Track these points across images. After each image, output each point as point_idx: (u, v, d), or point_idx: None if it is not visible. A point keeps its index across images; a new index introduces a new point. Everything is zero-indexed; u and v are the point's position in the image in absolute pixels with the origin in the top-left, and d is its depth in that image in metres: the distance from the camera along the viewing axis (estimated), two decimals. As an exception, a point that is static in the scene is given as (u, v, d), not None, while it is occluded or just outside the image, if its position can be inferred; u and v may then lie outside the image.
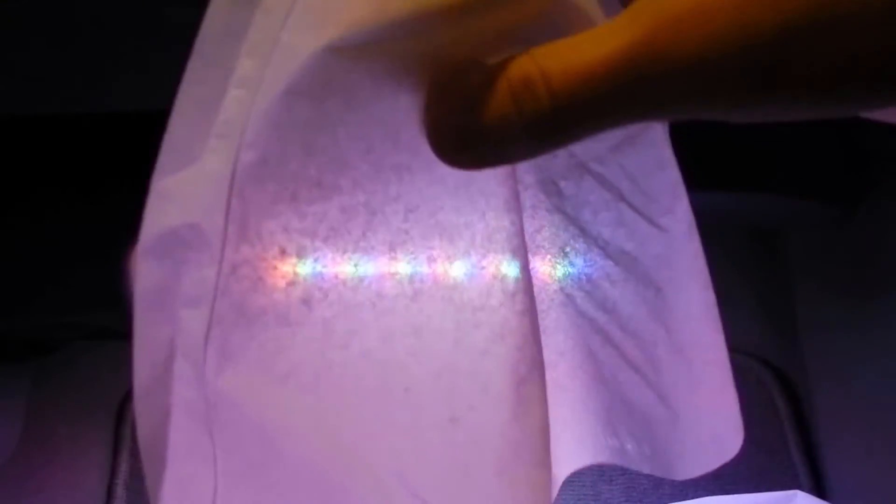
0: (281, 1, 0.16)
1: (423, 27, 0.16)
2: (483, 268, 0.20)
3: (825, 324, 0.63)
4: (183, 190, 0.17)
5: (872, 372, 0.58)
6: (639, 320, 0.25)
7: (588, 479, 0.66)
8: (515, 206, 0.20)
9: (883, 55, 0.13)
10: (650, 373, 0.26)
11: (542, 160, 0.22)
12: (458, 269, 0.20)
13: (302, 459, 0.18)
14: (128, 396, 0.67)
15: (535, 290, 0.22)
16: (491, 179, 0.20)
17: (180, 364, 0.17)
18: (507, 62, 0.16)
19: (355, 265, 0.19)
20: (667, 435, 0.27)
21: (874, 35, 0.13)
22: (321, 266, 0.18)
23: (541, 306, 0.26)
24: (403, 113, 0.18)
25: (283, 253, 0.18)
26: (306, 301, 0.18)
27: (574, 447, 0.28)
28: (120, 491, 0.63)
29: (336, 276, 0.18)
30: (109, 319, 0.49)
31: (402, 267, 0.19)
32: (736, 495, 0.55)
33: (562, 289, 0.25)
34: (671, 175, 0.23)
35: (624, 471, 0.65)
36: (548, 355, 0.23)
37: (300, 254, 0.18)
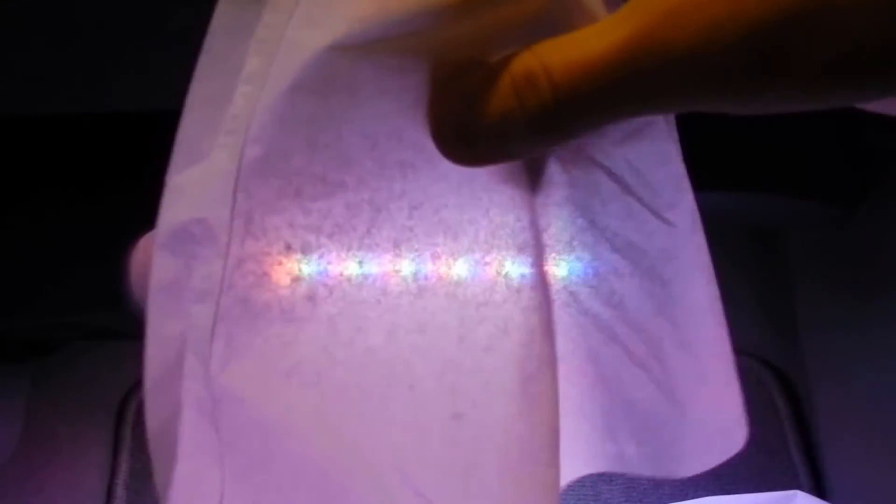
0: None
1: (426, 25, 0.16)
2: (487, 264, 0.20)
3: (825, 324, 0.63)
4: (193, 185, 0.17)
5: (872, 372, 0.58)
6: (645, 315, 0.25)
7: (588, 479, 0.66)
8: (522, 202, 0.20)
9: (882, 43, 0.13)
10: (656, 368, 0.26)
11: (552, 154, 0.22)
12: (461, 266, 0.20)
13: (304, 456, 0.18)
14: (128, 396, 0.67)
15: None
16: (494, 176, 0.20)
17: (190, 360, 0.17)
18: (509, 58, 0.16)
19: (360, 262, 0.18)
20: (672, 431, 0.27)
21: (873, 23, 0.13)
22: (326, 262, 0.18)
23: None
24: (407, 110, 0.18)
25: (288, 248, 0.18)
26: (311, 297, 0.18)
27: (569, 455, 0.27)
28: (120, 491, 0.63)
29: (341, 273, 0.18)
30: (109, 319, 0.49)
31: (407, 264, 0.19)
32: (736, 495, 0.55)
33: (565, 287, 0.25)
34: (676, 169, 0.23)
35: (624, 471, 0.65)
36: None
37: (305, 250, 0.18)
